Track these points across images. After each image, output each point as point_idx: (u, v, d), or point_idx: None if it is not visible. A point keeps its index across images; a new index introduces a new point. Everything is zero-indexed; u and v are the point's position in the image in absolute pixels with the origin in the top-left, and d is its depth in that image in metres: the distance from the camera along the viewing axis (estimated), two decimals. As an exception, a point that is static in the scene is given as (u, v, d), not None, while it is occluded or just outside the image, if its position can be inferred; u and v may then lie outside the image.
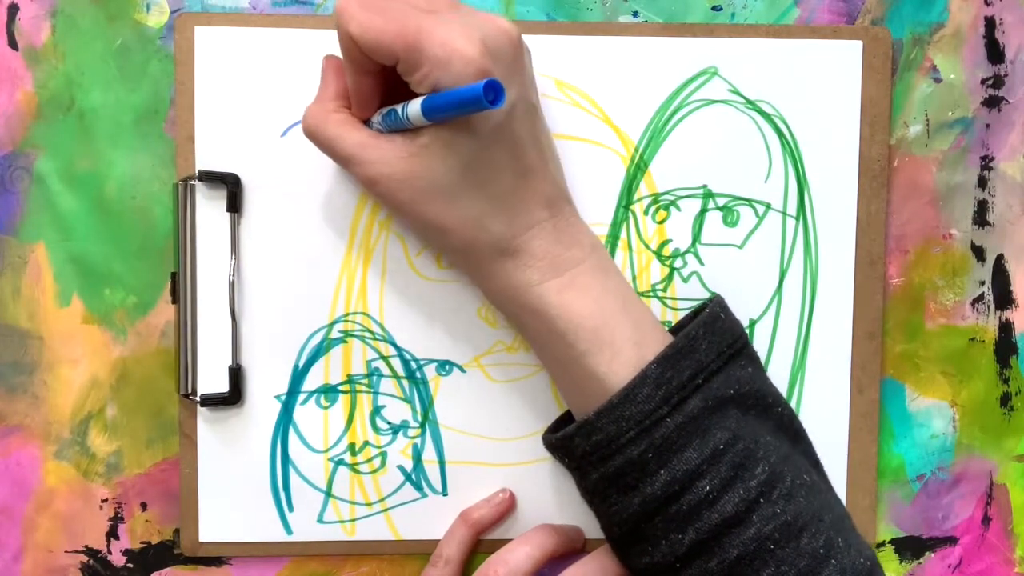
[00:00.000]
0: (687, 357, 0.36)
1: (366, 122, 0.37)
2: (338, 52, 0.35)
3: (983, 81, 0.44)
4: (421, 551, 0.43)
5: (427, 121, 0.33)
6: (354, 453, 0.42)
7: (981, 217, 0.44)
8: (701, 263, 0.43)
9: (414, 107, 0.33)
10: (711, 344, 0.36)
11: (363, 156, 0.35)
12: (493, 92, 0.30)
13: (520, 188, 0.36)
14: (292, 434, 0.42)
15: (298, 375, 0.42)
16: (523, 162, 0.36)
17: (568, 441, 0.37)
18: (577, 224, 0.38)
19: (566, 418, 0.41)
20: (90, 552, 0.43)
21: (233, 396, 0.41)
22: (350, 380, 0.42)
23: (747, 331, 0.43)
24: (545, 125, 0.38)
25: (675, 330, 0.39)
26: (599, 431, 0.35)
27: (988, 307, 0.45)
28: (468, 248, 0.37)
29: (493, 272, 0.37)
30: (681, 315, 0.42)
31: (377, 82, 0.36)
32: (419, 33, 0.32)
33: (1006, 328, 0.45)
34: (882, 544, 0.45)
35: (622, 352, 0.36)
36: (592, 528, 0.43)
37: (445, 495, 0.43)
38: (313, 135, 0.37)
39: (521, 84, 0.35)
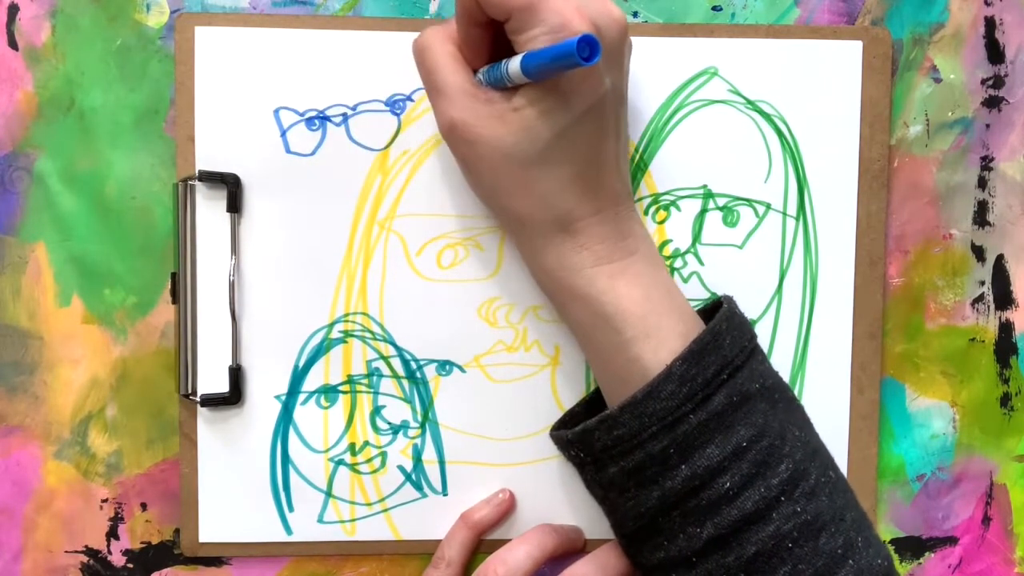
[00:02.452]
0: (712, 353, 0.35)
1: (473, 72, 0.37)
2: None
3: (983, 81, 0.44)
4: (421, 551, 0.43)
5: (525, 78, 0.33)
6: (354, 453, 0.42)
7: (981, 217, 0.44)
8: (701, 263, 0.43)
9: (514, 63, 0.33)
10: (734, 339, 0.36)
11: (456, 97, 0.35)
12: (588, 48, 0.30)
13: (594, 174, 0.36)
14: (292, 434, 0.42)
15: (298, 375, 0.42)
16: (603, 149, 0.36)
17: (588, 435, 0.37)
18: (635, 217, 0.38)
19: (569, 417, 0.41)
20: (90, 552, 0.43)
21: (233, 396, 0.41)
22: (350, 380, 0.42)
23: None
24: (627, 122, 0.39)
25: None
26: (621, 426, 0.35)
27: (988, 307, 0.45)
28: (528, 220, 0.37)
29: (547, 249, 0.37)
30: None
31: (487, 35, 0.36)
32: None
33: (1006, 328, 0.45)
34: (882, 544, 0.45)
35: (667, 342, 0.36)
36: (592, 528, 0.43)
37: (445, 495, 0.43)
38: (421, 55, 0.36)
39: (619, 74, 0.36)
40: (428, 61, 0.36)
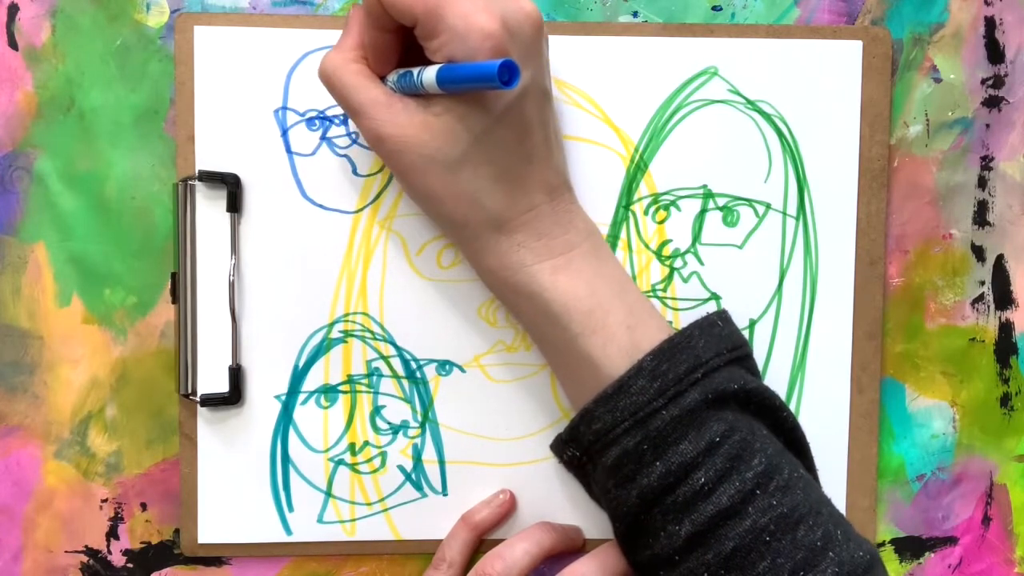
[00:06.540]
0: (683, 351, 0.36)
1: (382, 79, 0.37)
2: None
3: (983, 81, 0.44)
4: (421, 551, 0.43)
5: (440, 90, 0.33)
6: (354, 453, 0.42)
7: (981, 217, 0.44)
8: (701, 263, 0.43)
9: (429, 75, 0.33)
10: (708, 343, 0.36)
11: (374, 113, 0.35)
12: (508, 72, 0.30)
13: (523, 170, 0.36)
14: (292, 434, 0.42)
15: (298, 375, 0.42)
16: (529, 145, 0.36)
17: (575, 431, 0.37)
18: (575, 210, 0.38)
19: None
20: (90, 552, 0.43)
21: (233, 396, 0.41)
22: (350, 380, 0.42)
23: (747, 331, 0.43)
24: (555, 112, 0.38)
25: None
26: (597, 419, 0.36)
27: (988, 307, 0.45)
28: (463, 223, 0.37)
29: (486, 250, 0.37)
30: (681, 315, 0.43)
31: (396, 40, 0.36)
32: (440, 0, 0.32)
33: (1006, 328, 0.45)
34: (882, 544, 0.45)
35: (615, 337, 0.36)
36: (592, 528, 0.43)
37: (445, 495, 0.43)
38: (328, 81, 0.36)
39: (537, 68, 0.35)
40: (337, 85, 0.36)
